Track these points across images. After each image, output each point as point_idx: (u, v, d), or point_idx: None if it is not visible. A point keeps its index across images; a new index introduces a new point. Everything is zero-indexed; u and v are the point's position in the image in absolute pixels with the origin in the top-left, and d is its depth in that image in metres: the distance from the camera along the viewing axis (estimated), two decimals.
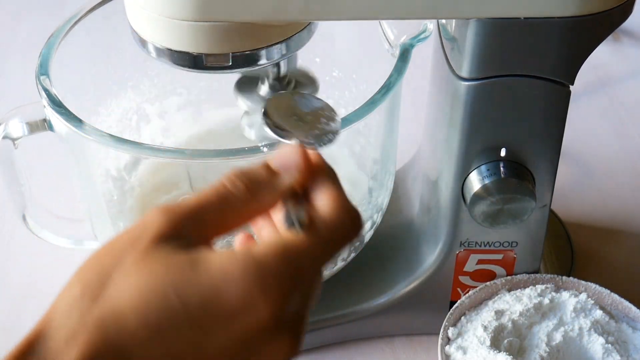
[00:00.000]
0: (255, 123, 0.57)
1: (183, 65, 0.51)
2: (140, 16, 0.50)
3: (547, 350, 0.56)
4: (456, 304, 0.60)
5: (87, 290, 0.35)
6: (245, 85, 0.56)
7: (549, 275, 0.61)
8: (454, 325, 0.59)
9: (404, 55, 0.56)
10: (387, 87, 0.54)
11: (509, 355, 0.55)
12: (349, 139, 0.66)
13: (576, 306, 0.58)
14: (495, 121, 0.55)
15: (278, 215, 0.39)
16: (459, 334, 0.58)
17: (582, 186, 0.79)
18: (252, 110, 0.57)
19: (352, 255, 0.62)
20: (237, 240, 0.42)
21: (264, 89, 0.56)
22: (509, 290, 0.60)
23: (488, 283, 0.61)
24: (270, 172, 0.39)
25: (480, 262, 0.61)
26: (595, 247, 0.73)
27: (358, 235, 0.39)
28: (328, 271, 0.61)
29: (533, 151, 0.56)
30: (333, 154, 0.66)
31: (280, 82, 0.56)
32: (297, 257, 0.36)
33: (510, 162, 0.56)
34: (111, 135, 0.52)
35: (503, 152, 0.56)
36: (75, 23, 0.59)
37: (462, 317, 0.59)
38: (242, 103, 0.56)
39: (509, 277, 0.61)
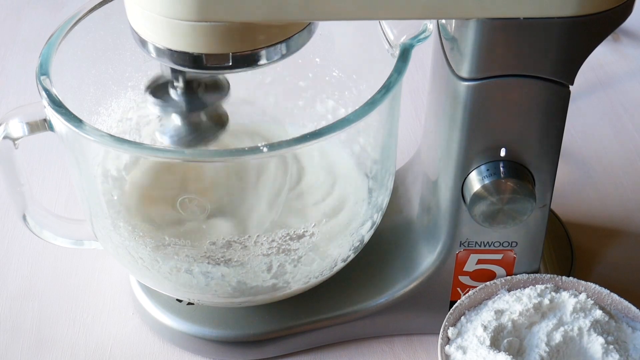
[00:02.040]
0: (168, 128, 0.57)
1: (183, 65, 0.51)
2: (140, 16, 0.50)
3: (547, 350, 0.56)
4: (456, 304, 0.60)
5: None
6: (156, 91, 0.56)
7: (548, 275, 0.61)
8: (454, 325, 0.59)
9: (404, 55, 0.56)
10: (387, 87, 0.54)
11: (509, 355, 0.55)
12: (349, 139, 0.66)
13: (576, 306, 0.58)
14: (495, 121, 0.55)
15: None
16: (459, 334, 0.58)
17: (582, 186, 0.79)
18: (165, 115, 0.57)
19: (352, 256, 0.62)
20: None
21: (174, 93, 0.56)
22: (509, 290, 0.60)
23: (488, 283, 0.61)
24: None
25: (480, 262, 0.61)
26: (595, 247, 0.73)
27: None
28: (329, 272, 0.61)
29: (533, 151, 0.56)
30: (333, 154, 0.66)
31: (190, 86, 0.56)
32: None
33: (510, 162, 0.56)
34: (111, 135, 0.52)
35: (503, 152, 0.56)
36: (76, 23, 0.59)
37: (462, 317, 0.59)
38: (155, 109, 0.56)
39: (508, 277, 0.61)
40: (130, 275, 0.68)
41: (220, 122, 0.58)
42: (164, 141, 0.57)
